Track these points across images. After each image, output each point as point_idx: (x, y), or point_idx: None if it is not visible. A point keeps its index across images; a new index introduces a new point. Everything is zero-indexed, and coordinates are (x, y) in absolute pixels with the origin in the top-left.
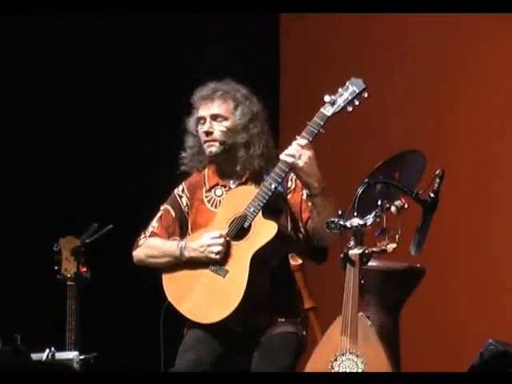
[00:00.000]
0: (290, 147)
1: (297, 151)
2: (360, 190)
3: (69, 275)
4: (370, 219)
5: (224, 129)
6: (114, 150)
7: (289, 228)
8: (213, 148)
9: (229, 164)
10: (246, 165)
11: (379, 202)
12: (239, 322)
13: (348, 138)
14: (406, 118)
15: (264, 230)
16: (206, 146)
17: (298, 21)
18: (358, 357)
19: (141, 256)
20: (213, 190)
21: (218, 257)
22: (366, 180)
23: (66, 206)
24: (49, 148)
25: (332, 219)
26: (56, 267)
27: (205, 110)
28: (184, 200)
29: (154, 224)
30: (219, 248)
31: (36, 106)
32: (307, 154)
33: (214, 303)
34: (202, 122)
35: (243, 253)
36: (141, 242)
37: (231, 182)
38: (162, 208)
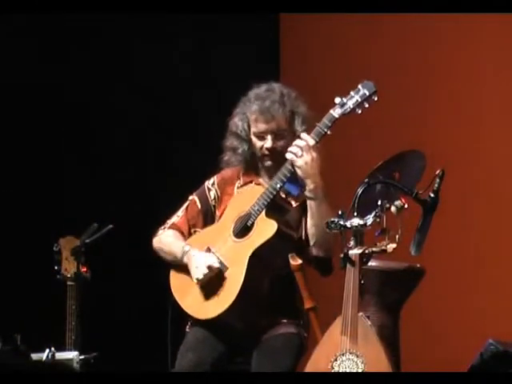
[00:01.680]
0: (294, 143)
1: (298, 148)
2: (360, 190)
3: (69, 275)
4: (370, 219)
5: (284, 143)
6: (115, 150)
7: (303, 233)
8: (272, 162)
9: (269, 168)
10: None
11: (379, 202)
12: (240, 319)
13: (348, 138)
14: (406, 117)
15: (264, 229)
16: (265, 159)
17: (298, 21)
18: (358, 357)
19: (156, 246)
20: (245, 187)
21: (196, 282)
22: (366, 180)
23: (66, 206)
24: (49, 148)
25: (332, 219)
26: (56, 267)
27: (265, 126)
28: (212, 193)
29: (179, 214)
30: (201, 276)
31: (36, 106)
32: (310, 155)
33: (212, 299)
34: (260, 136)
35: (243, 251)
36: (159, 232)
37: (267, 180)
38: (190, 198)
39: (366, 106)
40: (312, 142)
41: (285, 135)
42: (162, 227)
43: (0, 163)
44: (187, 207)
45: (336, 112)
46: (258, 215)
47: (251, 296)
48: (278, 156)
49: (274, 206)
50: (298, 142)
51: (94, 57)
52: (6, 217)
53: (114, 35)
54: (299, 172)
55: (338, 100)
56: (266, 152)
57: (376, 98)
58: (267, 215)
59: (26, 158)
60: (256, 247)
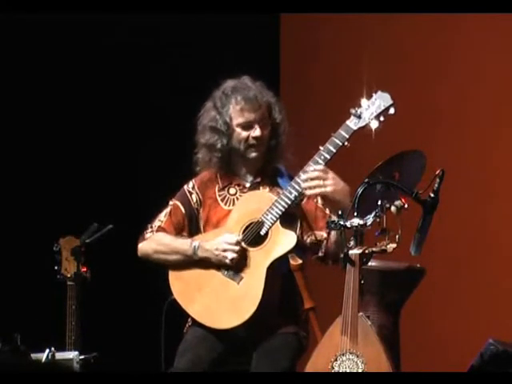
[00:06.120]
0: (303, 177)
1: (316, 180)
2: (360, 190)
3: (69, 275)
4: (370, 219)
5: (267, 132)
6: (114, 150)
7: (297, 233)
8: (258, 153)
9: (248, 163)
10: (265, 163)
11: (379, 202)
12: (245, 327)
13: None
14: (406, 117)
15: (283, 240)
16: (251, 149)
17: (298, 21)
18: (358, 357)
19: (147, 250)
20: (226, 189)
21: (231, 263)
22: (366, 180)
23: (66, 206)
24: (49, 148)
25: (332, 219)
26: (56, 267)
27: (253, 115)
28: (194, 197)
29: (162, 218)
30: (234, 255)
31: (36, 106)
32: (332, 179)
33: (227, 309)
34: (247, 125)
35: (260, 260)
36: (147, 235)
37: (246, 180)
38: (170, 203)
39: (382, 119)
40: (320, 167)
41: (269, 124)
42: (149, 231)
43: (0, 163)
44: (170, 212)
45: (353, 123)
46: (273, 224)
47: (264, 305)
48: (262, 146)
49: (286, 214)
50: (309, 174)
51: (93, 56)
52: (7, 217)
53: (111, 36)
54: (330, 204)
55: (353, 111)
56: (253, 142)
57: (393, 111)
58: (280, 224)
59: (26, 158)
60: (275, 258)
